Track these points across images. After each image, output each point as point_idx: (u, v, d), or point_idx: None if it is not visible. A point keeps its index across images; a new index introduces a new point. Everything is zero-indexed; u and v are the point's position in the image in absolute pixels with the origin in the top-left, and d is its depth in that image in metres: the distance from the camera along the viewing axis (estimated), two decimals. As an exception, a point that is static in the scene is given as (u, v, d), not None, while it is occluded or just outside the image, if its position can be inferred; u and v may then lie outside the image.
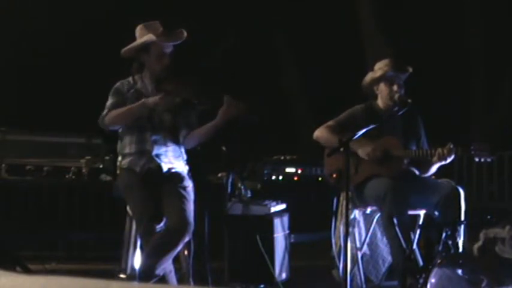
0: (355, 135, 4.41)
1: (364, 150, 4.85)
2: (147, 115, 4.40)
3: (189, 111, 4.44)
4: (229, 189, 5.38)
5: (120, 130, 4.50)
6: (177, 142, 4.46)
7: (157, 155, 4.38)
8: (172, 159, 4.43)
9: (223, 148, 5.37)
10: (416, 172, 4.96)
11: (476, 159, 4.67)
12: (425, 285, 3.98)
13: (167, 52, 4.43)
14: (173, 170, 4.41)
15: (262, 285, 5.19)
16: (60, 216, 6.41)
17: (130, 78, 4.52)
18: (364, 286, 4.97)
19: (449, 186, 4.79)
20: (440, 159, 4.72)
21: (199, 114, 4.48)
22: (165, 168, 4.39)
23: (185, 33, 4.43)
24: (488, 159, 4.66)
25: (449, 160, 4.73)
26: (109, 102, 4.46)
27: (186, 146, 4.51)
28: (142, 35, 4.42)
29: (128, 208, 4.53)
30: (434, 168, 4.91)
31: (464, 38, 11.77)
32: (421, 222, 4.95)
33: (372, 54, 10.05)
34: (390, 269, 5.05)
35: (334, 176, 4.81)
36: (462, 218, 4.68)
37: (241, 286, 5.18)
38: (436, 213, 4.77)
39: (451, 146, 4.68)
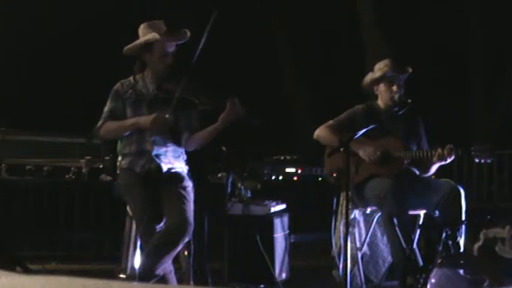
0: (355, 135, 4.41)
1: (365, 151, 4.85)
2: (147, 114, 4.38)
3: (189, 112, 4.43)
4: (229, 189, 5.38)
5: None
6: (177, 142, 4.45)
7: (157, 155, 4.38)
8: (172, 160, 4.42)
9: (223, 148, 5.37)
10: (417, 172, 4.96)
11: (477, 160, 4.68)
12: (425, 285, 3.98)
13: (170, 51, 4.41)
14: (173, 170, 4.40)
15: (262, 285, 5.19)
16: (60, 216, 6.42)
17: (131, 78, 4.49)
18: (364, 286, 4.97)
19: (450, 186, 4.79)
20: (439, 160, 4.72)
21: (201, 115, 4.47)
22: (164, 168, 4.38)
23: (188, 33, 4.43)
24: (489, 160, 4.67)
25: (449, 161, 4.74)
26: (106, 108, 4.44)
27: (187, 149, 4.50)
28: (146, 34, 4.40)
29: (128, 208, 4.53)
30: (434, 169, 4.91)
31: (464, 38, 11.77)
32: (421, 222, 4.95)
33: (372, 54, 10.05)
34: (390, 269, 5.05)
35: (334, 174, 4.81)
36: (463, 217, 4.68)
37: (241, 286, 5.18)
38: (437, 212, 4.77)
39: (451, 147, 4.68)
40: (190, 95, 4.35)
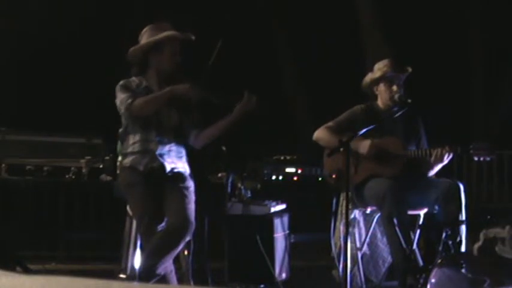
0: (355, 135, 4.41)
1: (362, 145, 4.84)
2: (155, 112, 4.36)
3: (191, 111, 4.43)
4: (229, 189, 5.38)
5: (121, 130, 4.49)
6: (180, 142, 4.44)
7: (161, 155, 4.36)
8: (175, 159, 4.41)
9: (223, 148, 5.37)
10: (416, 172, 4.95)
11: (476, 159, 4.68)
12: (425, 285, 3.98)
13: (179, 51, 4.40)
14: (176, 170, 4.39)
15: (262, 285, 5.19)
16: (60, 216, 6.42)
17: (133, 78, 4.47)
18: (364, 286, 4.97)
19: (449, 182, 4.77)
20: (437, 159, 4.71)
21: (214, 111, 4.46)
22: (168, 167, 4.36)
23: (193, 36, 4.42)
24: (488, 159, 4.66)
25: (446, 161, 4.73)
26: (124, 94, 4.32)
27: (197, 145, 4.48)
28: (152, 35, 4.36)
29: (128, 208, 4.53)
30: (434, 170, 4.90)
31: (465, 38, 11.78)
32: (421, 222, 4.95)
33: (372, 54, 10.06)
34: (390, 269, 5.05)
35: (334, 176, 4.81)
36: (463, 212, 4.66)
37: (241, 286, 5.18)
38: (437, 208, 4.75)
39: (447, 147, 4.68)
40: (201, 93, 4.33)
